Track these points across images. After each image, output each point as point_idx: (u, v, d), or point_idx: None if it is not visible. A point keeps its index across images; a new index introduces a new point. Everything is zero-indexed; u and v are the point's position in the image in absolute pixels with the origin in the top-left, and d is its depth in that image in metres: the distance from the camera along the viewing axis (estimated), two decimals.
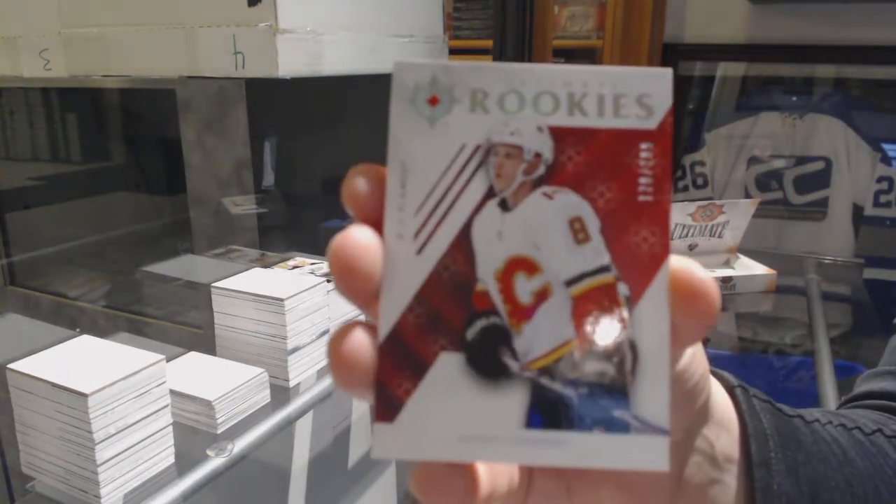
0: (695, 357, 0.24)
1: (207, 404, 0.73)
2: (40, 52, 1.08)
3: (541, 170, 0.21)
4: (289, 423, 0.79)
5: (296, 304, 0.82)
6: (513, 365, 0.20)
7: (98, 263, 1.65)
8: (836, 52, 2.04)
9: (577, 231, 0.20)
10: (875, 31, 1.96)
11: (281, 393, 0.82)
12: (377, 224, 0.20)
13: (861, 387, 0.44)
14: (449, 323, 0.20)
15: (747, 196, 2.12)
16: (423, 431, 0.20)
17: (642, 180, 0.20)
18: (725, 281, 1.23)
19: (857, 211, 2.02)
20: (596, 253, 0.20)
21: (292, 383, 0.83)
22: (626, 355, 0.20)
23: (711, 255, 1.32)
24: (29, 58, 1.10)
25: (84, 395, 0.60)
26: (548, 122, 0.21)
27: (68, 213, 1.71)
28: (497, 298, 0.20)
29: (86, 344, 0.70)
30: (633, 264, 0.20)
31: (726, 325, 1.24)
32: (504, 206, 0.21)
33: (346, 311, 0.91)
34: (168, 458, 0.69)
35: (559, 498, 0.27)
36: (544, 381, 0.20)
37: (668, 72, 0.20)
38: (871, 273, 1.86)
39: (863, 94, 2.10)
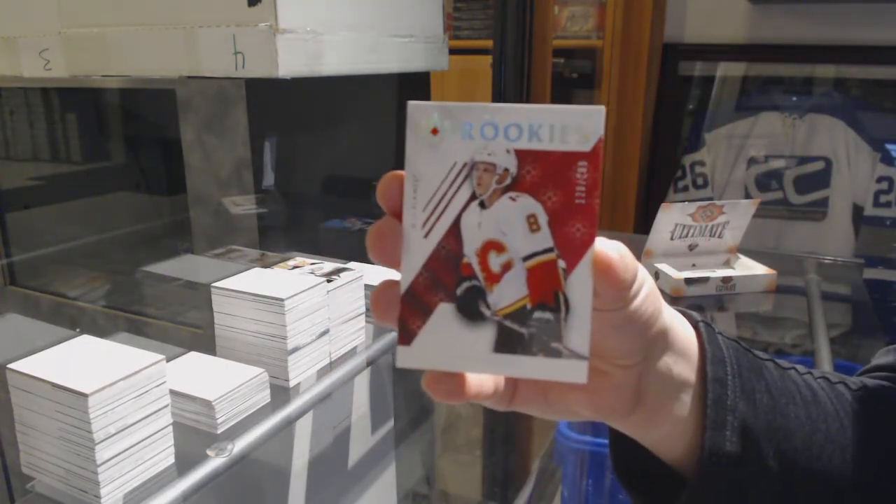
0: (647, 298, 0.31)
1: (207, 404, 0.73)
2: (40, 52, 1.08)
3: (508, 180, 0.28)
4: (289, 423, 0.79)
5: (296, 304, 0.82)
6: (486, 312, 0.28)
7: (98, 263, 1.65)
8: (836, 52, 2.04)
9: (532, 223, 0.28)
10: (875, 31, 1.96)
11: (281, 393, 0.82)
12: (399, 216, 0.28)
13: (875, 360, 0.47)
14: (445, 284, 0.28)
15: (747, 196, 2.12)
16: (428, 351, 0.29)
17: (578, 188, 0.27)
18: (725, 281, 1.22)
19: (857, 211, 2.02)
20: (544, 239, 0.28)
21: (292, 383, 0.83)
22: (561, 307, 0.28)
23: (711, 255, 1.31)
24: (29, 58, 1.09)
25: (84, 395, 0.60)
26: (514, 146, 0.28)
27: (68, 213, 1.71)
28: (477, 268, 0.28)
29: (86, 344, 0.70)
30: (568, 247, 0.28)
31: (726, 325, 1.24)
32: (482, 205, 0.28)
33: (346, 311, 0.91)
34: (168, 458, 0.69)
35: (538, 400, 0.34)
36: (507, 322, 0.28)
37: (601, 109, 0.27)
38: (871, 273, 1.87)
39: (863, 94, 2.10)
